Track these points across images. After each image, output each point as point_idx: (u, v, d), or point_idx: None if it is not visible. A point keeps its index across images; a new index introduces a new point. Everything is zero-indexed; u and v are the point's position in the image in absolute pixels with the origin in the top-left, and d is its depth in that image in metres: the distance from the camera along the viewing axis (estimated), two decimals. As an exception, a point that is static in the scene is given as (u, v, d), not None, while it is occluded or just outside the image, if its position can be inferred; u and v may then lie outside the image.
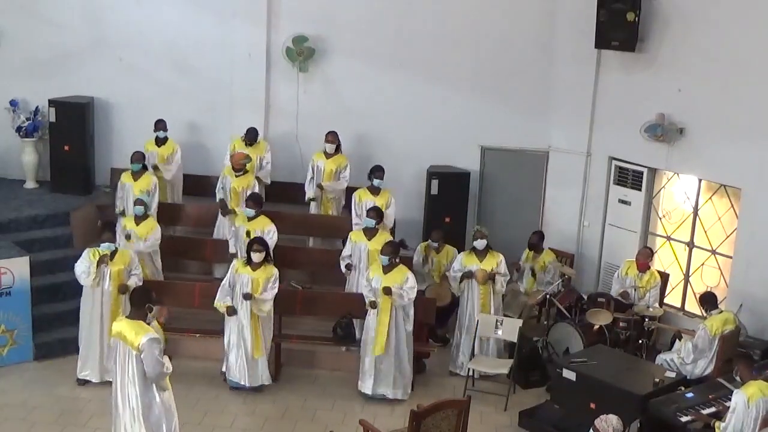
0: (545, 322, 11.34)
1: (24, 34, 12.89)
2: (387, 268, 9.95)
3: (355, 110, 12.93)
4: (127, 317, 7.86)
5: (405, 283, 9.92)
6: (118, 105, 13.10)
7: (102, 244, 9.78)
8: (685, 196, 11.78)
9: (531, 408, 9.81)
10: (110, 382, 9.48)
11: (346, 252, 10.91)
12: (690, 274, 11.78)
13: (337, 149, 12.25)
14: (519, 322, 10.45)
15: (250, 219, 10.87)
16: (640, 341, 10.77)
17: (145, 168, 11.72)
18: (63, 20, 12.87)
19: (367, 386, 10.01)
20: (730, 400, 8.06)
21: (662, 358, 10.13)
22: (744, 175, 10.81)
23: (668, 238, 12.02)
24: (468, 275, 10.63)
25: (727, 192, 11.28)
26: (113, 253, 9.83)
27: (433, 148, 12.91)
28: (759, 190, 10.65)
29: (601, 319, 10.70)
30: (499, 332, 10.42)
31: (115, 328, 7.84)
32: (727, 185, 11.22)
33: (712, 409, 8.50)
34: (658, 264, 11.95)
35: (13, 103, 12.84)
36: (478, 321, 10.47)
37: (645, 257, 11.21)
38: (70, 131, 12.62)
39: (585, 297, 11.73)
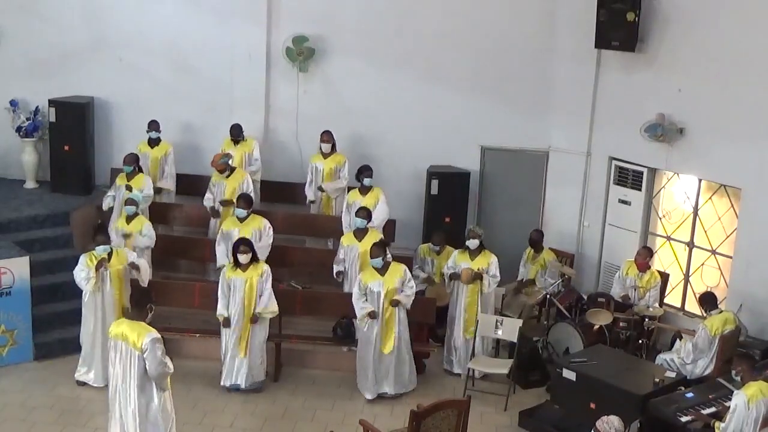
0: (545, 322, 11.34)
1: (24, 34, 12.89)
2: (382, 270, 9.94)
3: (355, 110, 12.93)
4: (127, 318, 7.85)
5: (406, 279, 9.94)
6: (118, 105, 13.10)
7: (97, 248, 9.78)
8: (685, 196, 11.78)
9: (531, 408, 9.81)
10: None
11: (339, 256, 10.89)
12: (690, 274, 11.78)
13: (333, 148, 12.25)
14: (519, 322, 10.45)
15: (241, 220, 10.83)
16: (640, 341, 10.77)
17: (138, 170, 11.68)
18: (63, 20, 12.87)
19: (370, 392, 10.00)
20: (730, 400, 8.06)
21: (662, 358, 10.13)
22: (744, 175, 10.81)
23: (668, 238, 12.02)
24: (455, 276, 10.62)
25: (727, 192, 11.28)
26: (110, 255, 9.82)
27: (433, 148, 12.91)
28: (759, 190, 10.65)
29: (601, 319, 10.70)
30: (499, 332, 10.42)
31: (115, 329, 7.80)
32: (727, 185, 11.22)
33: (712, 409, 8.49)
34: (658, 264, 11.95)
35: (13, 103, 12.84)
36: (478, 321, 10.47)
37: (644, 257, 11.21)
38: (70, 131, 12.62)
39: (585, 297, 11.74)
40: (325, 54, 12.85)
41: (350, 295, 10.55)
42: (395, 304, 9.87)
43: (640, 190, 12.05)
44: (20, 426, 9.18)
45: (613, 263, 12.21)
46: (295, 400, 10.01)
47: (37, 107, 12.86)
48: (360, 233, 10.78)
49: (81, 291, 9.88)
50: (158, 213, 11.88)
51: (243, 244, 9.97)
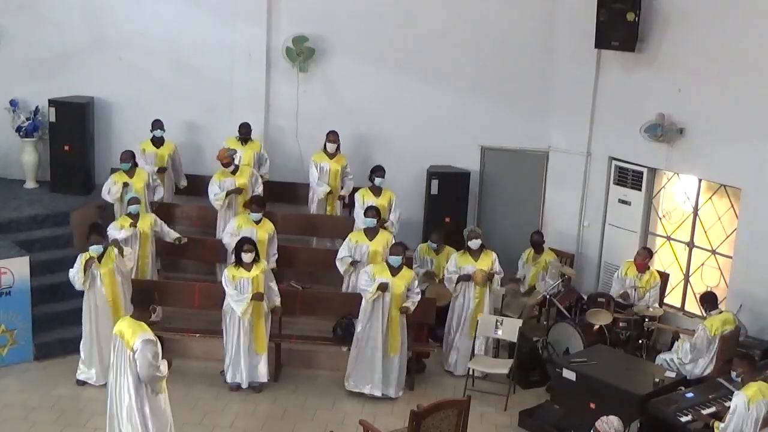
0: (545, 322, 11.34)
1: (24, 34, 12.88)
2: (396, 270, 9.95)
3: (355, 110, 12.92)
4: (131, 317, 7.85)
5: (414, 288, 10.02)
6: (118, 105, 13.10)
7: (90, 247, 9.78)
8: (685, 196, 11.78)
9: (531, 408, 9.81)
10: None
11: (342, 253, 10.87)
12: (690, 274, 11.78)
13: (338, 149, 12.26)
14: (519, 322, 10.45)
15: (257, 221, 10.86)
16: (640, 341, 10.77)
17: (135, 165, 11.68)
18: (63, 20, 12.87)
19: (377, 389, 10.01)
20: (730, 400, 8.06)
21: (662, 358, 10.13)
22: (744, 175, 10.81)
23: (668, 238, 12.02)
24: (465, 278, 10.62)
25: (727, 192, 11.28)
26: (102, 255, 9.81)
27: (433, 148, 12.91)
28: (759, 190, 10.65)
29: (601, 319, 10.70)
30: (499, 332, 10.43)
31: (117, 325, 7.86)
32: (727, 185, 11.22)
33: (712, 409, 8.49)
34: (658, 264, 11.95)
35: (13, 103, 12.83)
36: (478, 321, 10.48)
37: (643, 258, 11.21)
38: (70, 131, 12.61)
39: (585, 297, 11.73)
40: (325, 54, 12.85)
41: (350, 295, 10.59)
42: (404, 311, 9.92)
43: (640, 190, 12.05)
44: (20, 426, 9.19)
45: (613, 263, 12.21)
46: (295, 400, 10.01)
47: (37, 107, 12.85)
48: (370, 232, 10.80)
49: (81, 293, 9.89)
50: (159, 213, 11.85)
51: (248, 243, 9.99)
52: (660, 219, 12.10)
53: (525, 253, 12.01)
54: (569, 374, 9.09)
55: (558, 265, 11.95)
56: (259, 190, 11.79)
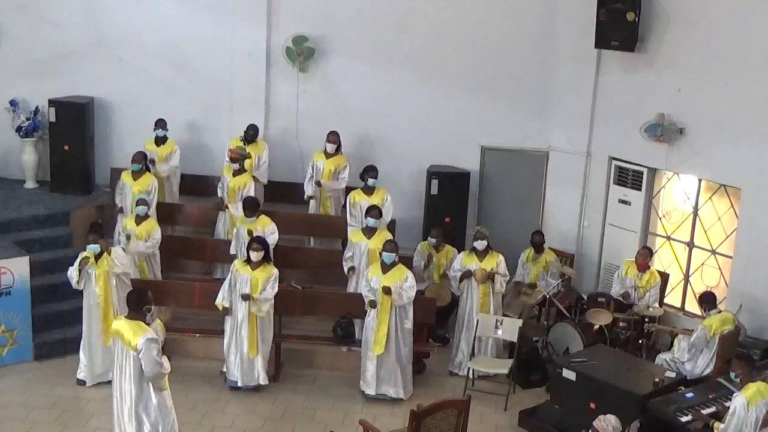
0: (545, 322, 11.34)
1: (24, 34, 12.89)
2: (387, 267, 9.95)
3: (355, 110, 12.93)
4: (126, 317, 7.85)
5: (404, 282, 9.93)
6: (118, 105, 13.10)
7: (88, 247, 9.79)
8: (685, 196, 11.78)
9: (531, 408, 9.81)
10: (102, 384, 9.58)
11: (347, 253, 10.92)
12: (690, 274, 11.78)
13: (338, 149, 12.26)
14: (519, 322, 10.45)
15: (251, 223, 10.88)
16: (640, 341, 10.78)
17: (146, 168, 11.74)
18: (63, 20, 12.87)
19: (370, 387, 10.01)
20: (729, 400, 8.06)
21: (662, 358, 10.13)
22: (744, 175, 10.81)
23: (668, 238, 12.02)
24: (467, 275, 10.63)
25: (727, 192, 11.28)
26: (99, 255, 9.81)
27: (433, 148, 12.91)
28: (759, 190, 10.65)
29: (601, 319, 10.70)
30: (499, 332, 10.43)
31: (114, 326, 7.84)
32: (727, 185, 11.22)
33: (712, 409, 8.49)
34: (658, 264, 11.95)
35: (13, 103, 12.84)
36: (477, 321, 10.48)
37: (644, 258, 11.21)
38: (70, 131, 12.62)
39: (585, 297, 11.74)
40: (325, 54, 12.85)
41: (350, 294, 10.61)
42: (387, 291, 9.81)
43: (640, 190, 12.05)
44: (20, 426, 9.18)
45: (613, 263, 12.21)
46: (295, 400, 10.01)
47: (37, 107, 12.85)
48: (369, 231, 10.82)
49: (81, 291, 9.89)
50: (161, 213, 11.86)
51: (256, 242, 9.99)
52: (660, 219, 12.10)
53: (525, 252, 12.01)
54: (569, 374, 9.09)
55: (558, 265, 11.95)
56: (252, 189, 11.72)
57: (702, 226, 11.58)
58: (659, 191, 12.08)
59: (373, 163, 12.04)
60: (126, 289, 9.89)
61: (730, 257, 11.16)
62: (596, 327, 10.71)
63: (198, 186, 12.70)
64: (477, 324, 10.48)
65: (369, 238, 10.77)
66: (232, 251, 11.05)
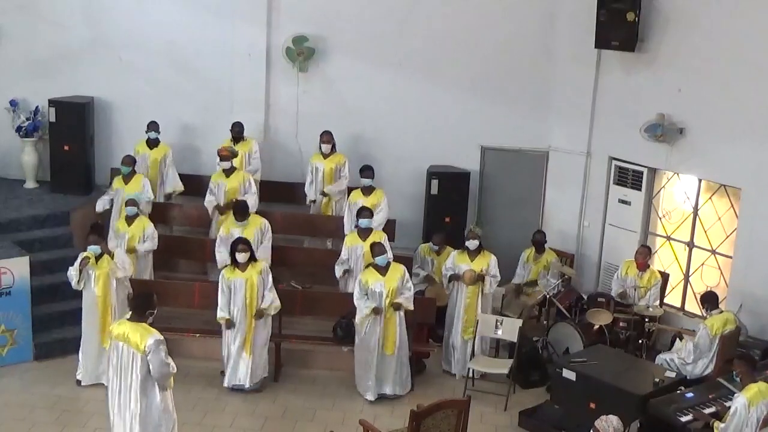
0: (545, 322, 11.34)
1: (24, 34, 12.88)
2: (384, 270, 9.94)
3: (355, 110, 12.93)
4: (129, 320, 7.83)
5: (405, 282, 9.95)
6: (118, 105, 13.10)
7: (89, 247, 9.79)
8: (685, 196, 11.78)
9: (531, 408, 9.81)
10: (102, 384, 9.56)
11: (343, 256, 10.89)
12: (690, 274, 11.78)
13: (333, 149, 12.25)
14: (519, 322, 10.45)
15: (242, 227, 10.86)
16: (640, 341, 10.77)
17: (134, 171, 11.70)
18: (63, 20, 12.86)
19: (370, 393, 10.00)
20: (730, 400, 8.06)
21: (662, 358, 10.12)
22: (744, 175, 10.81)
23: (668, 238, 12.02)
24: (456, 277, 10.61)
25: (727, 192, 11.28)
26: (100, 256, 9.81)
27: (433, 148, 12.91)
28: (759, 190, 10.65)
29: (601, 319, 10.70)
30: (499, 332, 10.42)
31: (116, 330, 7.80)
32: (727, 185, 11.22)
33: (712, 409, 8.49)
34: (658, 264, 11.95)
35: (13, 103, 12.84)
36: (478, 321, 10.48)
37: (644, 256, 11.21)
38: (70, 131, 12.61)
39: (585, 297, 11.73)
40: (325, 54, 12.85)
41: (350, 294, 10.56)
42: (397, 307, 9.89)
43: (640, 190, 12.05)
44: (20, 426, 9.18)
45: (613, 263, 12.20)
46: (295, 400, 10.01)
47: (37, 107, 12.85)
48: (363, 233, 10.80)
49: (81, 291, 9.88)
50: (158, 213, 11.86)
51: (241, 243, 9.97)
52: (660, 219, 12.10)
53: (525, 252, 12.00)
54: (569, 374, 9.09)
55: (558, 265, 11.94)
56: (251, 200, 11.51)
57: (702, 226, 11.58)
58: (659, 191, 12.08)
59: (373, 163, 12.07)
60: (125, 291, 9.94)
61: (730, 257, 11.16)
62: (596, 327, 10.71)
63: (196, 186, 12.66)
64: (477, 324, 10.48)
65: (364, 239, 10.75)
66: (222, 265, 10.64)
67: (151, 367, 7.57)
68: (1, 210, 11.81)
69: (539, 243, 11.88)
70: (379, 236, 10.76)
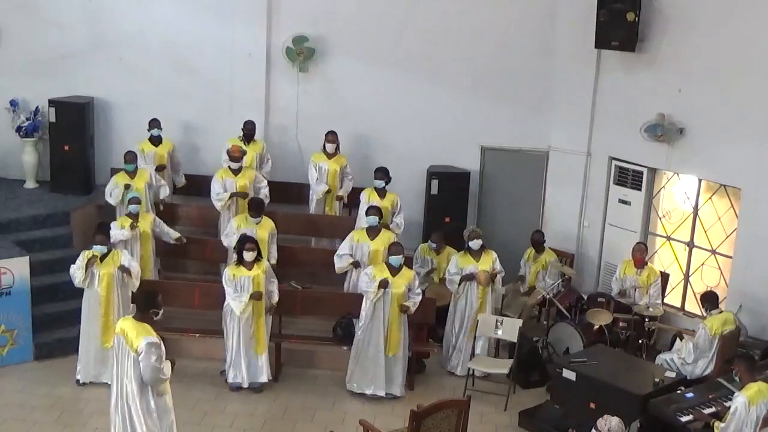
0: (545, 322, 11.34)
1: (24, 34, 12.88)
2: (396, 270, 9.95)
3: (355, 110, 12.93)
4: (132, 317, 7.84)
5: (414, 288, 10.02)
6: (118, 105, 13.09)
7: (95, 246, 9.79)
8: (685, 196, 11.78)
9: (531, 408, 9.81)
10: (102, 384, 9.59)
11: (343, 250, 10.86)
12: (690, 274, 11.78)
13: (337, 148, 12.26)
14: (519, 322, 10.45)
15: (257, 223, 10.87)
16: (640, 341, 10.77)
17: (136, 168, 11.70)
18: (63, 20, 12.86)
19: (369, 388, 10.01)
20: (730, 400, 8.05)
21: (662, 358, 10.13)
22: (744, 175, 10.81)
23: (668, 238, 12.02)
24: (468, 278, 10.62)
25: (727, 192, 11.28)
26: (105, 255, 9.82)
27: (433, 148, 12.91)
28: (759, 190, 10.65)
29: (601, 319, 10.70)
30: (499, 332, 10.43)
31: (119, 324, 7.82)
32: (727, 185, 11.22)
33: (712, 409, 8.49)
34: (658, 264, 11.95)
35: (13, 103, 12.84)
36: (478, 321, 10.48)
37: (641, 252, 11.21)
38: (70, 131, 12.61)
39: (585, 297, 11.74)
40: (325, 54, 12.85)
41: (350, 295, 10.59)
42: (404, 310, 9.93)
43: (640, 190, 12.05)
44: (20, 426, 9.18)
45: (613, 263, 12.20)
46: (295, 400, 10.01)
47: (37, 107, 12.85)
48: (372, 232, 10.80)
49: (81, 291, 9.90)
50: (160, 213, 11.84)
51: (249, 242, 9.98)
52: (660, 219, 12.10)
53: (526, 252, 12.01)
54: (569, 374, 9.09)
55: (558, 264, 11.95)
56: (264, 192, 11.71)
57: (702, 226, 11.58)
58: (659, 191, 12.08)
59: (373, 163, 12.11)
60: (127, 291, 9.94)
61: (730, 257, 11.16)
62: (596, 327, 10.71)
63: (198, 186, 12.66)
64: (477, 324, 10.48)
65: (372, 238, 10.75)
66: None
67: (141, 369, 7.56)
68: (1, 210, 11.82)
69: (538, 243, 11.89)
70: (388, 236, 10.76)
